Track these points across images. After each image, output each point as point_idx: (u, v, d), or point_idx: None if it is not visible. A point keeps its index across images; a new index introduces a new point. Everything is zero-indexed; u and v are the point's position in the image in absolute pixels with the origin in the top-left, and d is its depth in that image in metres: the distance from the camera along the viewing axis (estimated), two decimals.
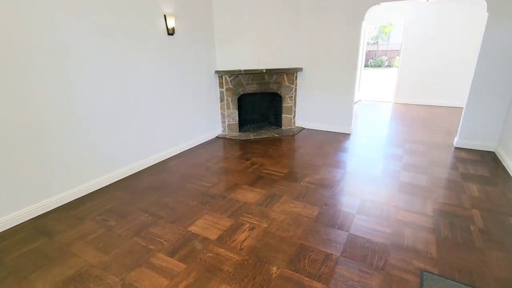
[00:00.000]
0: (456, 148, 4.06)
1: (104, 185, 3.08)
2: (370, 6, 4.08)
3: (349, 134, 4.92)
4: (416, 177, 3.15)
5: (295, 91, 5.15)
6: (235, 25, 4.47)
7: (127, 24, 3.04)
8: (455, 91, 6.96)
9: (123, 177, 3.29)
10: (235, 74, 4.64)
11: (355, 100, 6.50)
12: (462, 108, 4.11)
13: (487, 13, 3.41)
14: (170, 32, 3.53)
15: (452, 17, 6.55)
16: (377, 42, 25.10)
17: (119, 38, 2.98)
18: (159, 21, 3.40)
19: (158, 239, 2.16)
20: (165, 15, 3.43)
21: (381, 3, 3.99)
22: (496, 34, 3.43)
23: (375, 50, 24.45)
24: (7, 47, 2.16)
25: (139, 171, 3.47)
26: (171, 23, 3.49)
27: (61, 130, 2.61)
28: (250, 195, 2.83)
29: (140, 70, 3.28)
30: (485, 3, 3.40)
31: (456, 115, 6.08)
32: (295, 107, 5.27)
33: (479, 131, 3.87)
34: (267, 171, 3.41)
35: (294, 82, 5.05)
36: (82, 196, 2.86)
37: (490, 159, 3.63)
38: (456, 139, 4.13)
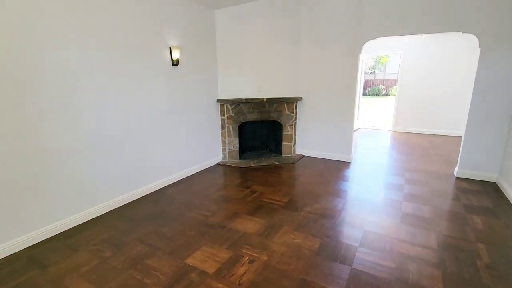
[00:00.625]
0: (457, 178, 4.05)
1: (102, 213, 3.04)
2: (367, 41, 4.27)
3: (349, 162, 4.93)
4: (419, 208, 3.11)
5: (295, 119, 5.23)
6: (237, 55, 4.65)
7: (134, 55, 3.16)
8: (453, 120, 7.07)
9: (121, 204, 3.25)
10: (236, 103, 4.75)
11: (355, 128, 6.59)
12: (461, 137, 4.15)
13: (479, 49, 3.56)
14: (175, 63, 3.67)
15: (446, 50, 6.83)
16: (374, 72, 25.91)
17: (125, 68, 3.09)
18: (164, 53, 3.55)
19: (154, 272, 2.08)
20: (170, 48, 3.59)
21: (377, 38, 4.18)
22: (489, 69, 3.56)
23: (373, 79, 25.15)
24: (18, 77, 2.23)
25: (138, 199, 3.43)
26: (175, 55, 3.63)
27: (59, 158, 2.63)
28: (250, 225, 2.77)
29: (144, 99, 3.37)
30: (476, 40, 3.56)
31: (454, 144, 6.13)
32: (295, 135, 5.32)
33: (479, 161, 3.88)
34: (267, 200, 3.37)
35: (294, 110, 5.15)
36: (79, 225, 2.81)
37: (492, 189, 3.61)
38: (456, 169, 4.13)
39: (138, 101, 3.30)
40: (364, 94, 21.85)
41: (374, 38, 4.20)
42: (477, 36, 3.53)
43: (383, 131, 8.02)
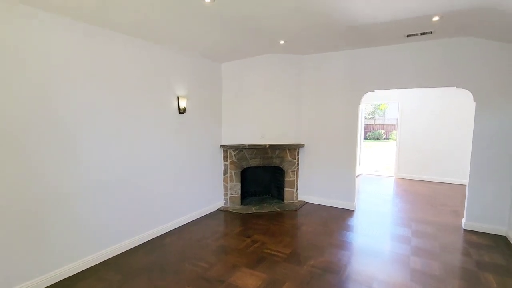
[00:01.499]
0: (465, 230, 3.91)
1: (96, 263, 2.91)
2: (365, 93, 4.48)
3: (353, 210, 4.82)
4: (428, 264, 2.96)
5: (297, 165, 5.26)
6: (241, 103, 4.85)
7: (143, 104, 3.31)
8: (456, 168, 7.05)
9: (117, 253, 3.12)
10: (239, 149, 4.82)
11: (357, 174, 6.56)
12: (465, 185, 4.11)
13: (474, 103, 3.71)
14: (182, 112, 3.82)
15: (444, 99, 7.07)
16: (373, 117, 26.60)
17: (133, 116, 3.21)
18: (172, 102, 3.72)
19: None
20: (178, 97, 3.77)
21: (375, 90, 4.39)
22: (486, 122, 3.66)
23: (373, 124, 25.71)
24: (23, 122, 2.32)
25: (135, 247, 3.31)
26: (183, 104, 3.80)
27: (57, 204, 2.61)
28: (249, 280, 2.63)
29: (148, 146, 3.44)
30: (471, 94, 3.72)
31: (459, 193, 6.04)
32: (297, 181, 5.29)
33: (486, 213, 3.79)
34: (268, 251, 3.24)
35: (296, 157, 5.19)
36: (70, 276, 2.67)
37: (503, 244, 3.46)
38: (463, 221, 4.02)
39: (142, 148, 3.37)
40: (365, 138, 22.15)
41: (372, 91, 4.40)
42: (471, 91, 3.70)
43: (386, 177, 7.97)
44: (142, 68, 3.28)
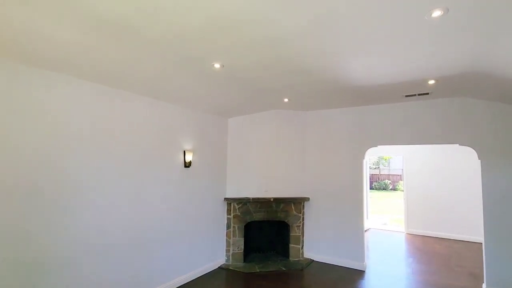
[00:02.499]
0: None
1: None
2: (369, 148, 4.54)
3: (363, 271, 4.51)
4: None
5: (303, 220, 5.09)
6: (246, 156, 4.92)
7: (149, 158, 3.38)
8: (470, 225, 6.73)
9: None
10: (243, 202, 4.75)
11: (365, 228, 6.29)
12: (480, 243, 3.88)
13: (479, 160, 3.71)
14: (187, 165, 3.87)
15: (448, 153, 7.08)
16: (378, 167, 26.46)
17: (137, 171, 3.25)
18: (178, 156, 3.79)
19: None
20: (184, 151, 3.85)
21: (378, 146, 4.45)
22: (493, 178, 3.62)
23: (378, 174, 25.45)
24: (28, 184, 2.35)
25: None
26: (188, 158, 3.87)
27: (54, 267, 2.50)
28: None
29: (152, 200, 3.41)
30: (475, 154, 3.74)
31: (476, 252, 5.67)
32: (303, 237, 5.07)
33: (508, 278, 3.51)
34: None
35: (302, 211, 5.06)
36: None
37: None
38: (484, 286, 3.71)
39: (145, 202, 3.34)
40: (371, 188, 21.73)
41: (376, 146, 4.47)
42: (474, 149, 3.73)
43: (396, 233, 7.60)
44: (151, 125, 3.42)
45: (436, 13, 1.79)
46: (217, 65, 2.69)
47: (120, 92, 3.06)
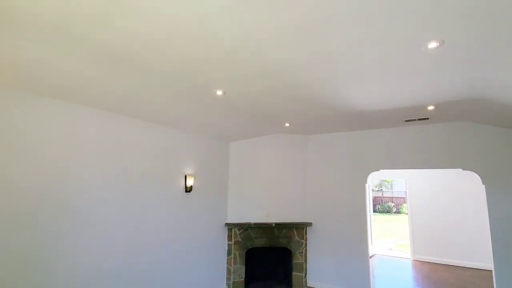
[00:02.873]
0: None
1: None
2: (371, 172, 4.51)
3: None
4: None
5: (306, 246, 4.95)
6: (247, 180, 4.88)
7: (150, 184, 3.36)
8: (479, 250, 6.52)
9: None
10: (244, 227, 4.65)
11: (370, 254, 6.10)
12: (490, 271, 3.73)
13: (483, 185, 3.66)
14: (188, 190, 3.84)
15: (451, 177, 7.00)
16: (381, 189, 26.14)
17: (138, 197, 3.22)
18: (179, 181, 3.77)
19: None
20: (185, 176, 3.84)
21: (380, 170, 4.42)
22: (499, 203, 3.55)
23: (381, 196, 25.08)
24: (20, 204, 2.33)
25: None
26: (190, 182, 3.84)
27: None
28: None
29: (152, 227, 3.35)
30: (479, 178, 3.71)
31: (487, 280, 5.44)
32: (306, 264, 4.91)
33: None
34: None
35: (304, 236, 4.94)
36: None
37: None
38: None
39: (145, 229, 3.27)
40: (374, 211, 21.31)
41: (378, 170, 4.44)
42: (477, 174, 3.70)
43: (402, 259, 7.35)
44: (153, 150, 3.43)
45: (432, 45, 1.85)
46: (219, 92, 2.75)
47: (122, 118, 3.11)
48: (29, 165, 2.32)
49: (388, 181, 26.10)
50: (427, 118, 3.74)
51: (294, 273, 4.83)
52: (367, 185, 4.69)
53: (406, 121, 3.90)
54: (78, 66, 2.08)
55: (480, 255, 6.44)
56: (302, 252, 4.88)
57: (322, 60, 2.09)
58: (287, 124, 4.26)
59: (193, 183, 3.97)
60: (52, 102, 2.50)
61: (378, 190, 25.80)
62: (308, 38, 1.79)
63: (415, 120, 3.84)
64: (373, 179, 24.10)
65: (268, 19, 1.60)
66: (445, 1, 1.40)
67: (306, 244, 4.97)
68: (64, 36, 1.71)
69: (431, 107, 3.23)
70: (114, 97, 2.68)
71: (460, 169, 3.87)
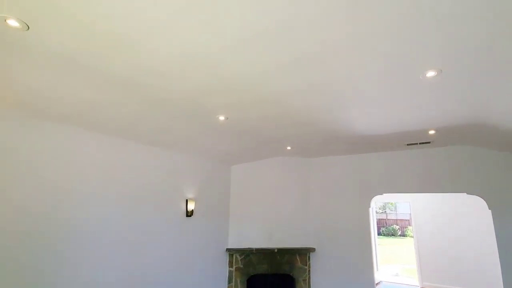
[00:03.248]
0: None
1: None
2: (374, 196, 4.46)
3: None
4: None
5: (309, 273, 4.79)
6: (249, 204, 4.82)
7: (151, 207, 3.32)
8: (488, 278, 6.27)
9: None
10: (246, 253, 4.53)
11: (376, 281, 5.87)
12: None
13: (490, 210, 3.60)
14: (189, 214, 3.78)
15: (457, 200, 6.87)
16: (385, 211, 25.67)
17: (139, 221, 3.17)
18: (180, 205, 3.73)
19: None
20: (187, 200, 3.80)
21: (384, 194, 4.37)
22: (507, 229, 3.47)
23: (385, 219, 24.56)
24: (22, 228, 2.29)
25: None
26: (191, 207, 3.80)
27: None
28: None
29: (151, 252, 3.27)
30: (485, 202, 3.65)
31: None
32: None
33: None
34: None
35: (307, 263, 4.79)
36: None
37: None
38: None
39: (145, 254, 3.20)
40: (378, 234, 20.79)
41: (381, 194, 4.39)
42: (483, 199, 3.65)
43: (410, 287, 7.07)
44: (155, 173, 3.43)
45: (430, 74, 1.90)
46: (221, 118, 2.79)
47: (124, 142, 3.13)
48: (30, 187, 2.31)
49: (392, 204, 25.67)
50: (429, 142, 3.74)
51: None
52: (370, 209, 4.61)
53: (407, 144, 3.91)
54: (84, 92, 2.14)
55: (490, 280, 6.19)
56: (306, 279, 4.71)
57: (322, 89, 2.14)
58: (288, 148, 4.27)
59: (194, 207, 3.92)
60: (54, 126, 2.54)
61: (382, 212, 25.30)
62: (308, 70, 1.84)
63: (417, 144, 3.84)
64: (377, 201, 23.70)
65: (269, 55, 1.67)
66: (441, 33, 1.46)
67: (309, 271, 4.81)
68: (74, 66, 1.77)
69: (432, 132, 3.25)
70: (117, 121, 2.72)
71: (465, 194, 3.82)
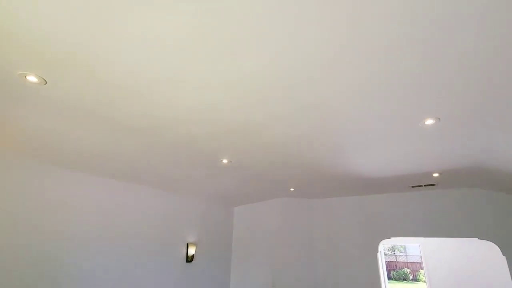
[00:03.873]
0: None
1: None
2: (382, 240, 4.29)
3: None
4: None
5: None
6: (252, 248, 4.64)
7: (151, 253, 3.20)
8: None
9: None
10: None
11: None
12: None
13: (504, 256, 3.42)
14: (189, 260, 3.63)
15: (470, 244, 6.57)
16: (394, 253, 24.40)
17: (137, 268, 3.04)
18: (181, 250, 3.60)
19: None
20: (187, 244, 3.68)
21: (391, 238, 4.21)
22: None
23: (395, 261, 23.25)
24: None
25: None
26: (191, 251, 3.66)
27: None
28: None
29: None
30: (498, 248, 3.49)
31: None
32: None
33: None
34: None
35: None
36: None
37: None
38: None
39: None
40: (389, 278, 19.56)
41: (389, 238, 4.23)
42: (496, 244, 3.49)
43: None
44: (156, 216, 3.37)
45: (429, 122, 1.95)
46: (224, 161, 2.81)
47: (125, 185, 3.13)
48: (31, 228, 2.27)
49: (401, 246, 24.50)
50: (434, 184, 3.70)
51: None
52: (379, 254, 4.40)
53: (412, 186, 3.86)
54: (89, 137, 2.20)
55: None
56: None
57: (325, 134, 2.18)
58: (292, 189, 4.23)
59: (195, 252, 3.77)
60: (56, 169, 2.56)
61: (391, 254, 24.00)
62: (311, 117, 1.90)
63: (421, 186, 3.79)
64: (385, 243, 22.63)
65: (270, 107, 1.74)
66: (438, 84, 1.52)
67: None
68: (86, 115, 1.84)
69: (436, 174, 3.23)
70: (120, 164, 2.75)
71: (477, 238, 3.66)
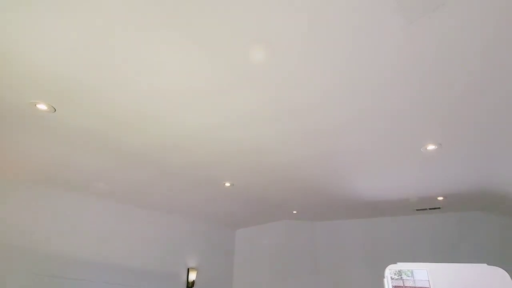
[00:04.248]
0: None
1: None
2: (388, 265, 4.16)
3: None
4: None
5: None
6: (254, 273, 4.50)
7: (150, 277, 3.12)
8: None
9: None
10: None
11: None
12: None
13: None
14: (190, 286, 3.53)
15: (478, 271, 6.35)
16: (401, 278, 23.52)
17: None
18: (181, 275, 3.51)
19: None
20: (188, 269, 3.59)
21: (398, 263, 4.08)
22: None
23: (402, 286, 22.35)
24: None
25: None
26: (192, 277, 3.57)
27: None
28: None
29: None
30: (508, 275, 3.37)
31: None
32: None
33: None
34: None
35: None
36: None
37: None
38: None
39: None
40: None
41: (395, 263, 4.10)
42: (505, 271, 3.37)
43: None
44: (156, 240, 3.32)
45: (431, 147, 1.96)
46: (227, 184, 2.81)
47: (126, 207, 3.12)
48: (31, 251, 2.24)
49: (408, 270, 23.65)
50: (439, 208, 3.64)
51: None
52: (385, 280, 4.25)
53: (417, 210, 3.80)
54: (92, 162, 2.22)
55: None
56: None
57: (327, 158, 2.20)
58: (294, 212, 4.18)
59: (196, 278, 3.67)
60: (58, 193, 2.57)
61: (398, 278, 23.13)
62: (314, 142, 1.93)
63: (426, 209, 3.74)
64: (391, 267, 21.81)
65: (273, 130, 1.78)
66: (439, 111, 1.55)
67: None
68: (94, 141, 1.88)
69: (440, 198, 3.19)
70: (122, 188, 2.76)
71: (485, 265, 3.55)
